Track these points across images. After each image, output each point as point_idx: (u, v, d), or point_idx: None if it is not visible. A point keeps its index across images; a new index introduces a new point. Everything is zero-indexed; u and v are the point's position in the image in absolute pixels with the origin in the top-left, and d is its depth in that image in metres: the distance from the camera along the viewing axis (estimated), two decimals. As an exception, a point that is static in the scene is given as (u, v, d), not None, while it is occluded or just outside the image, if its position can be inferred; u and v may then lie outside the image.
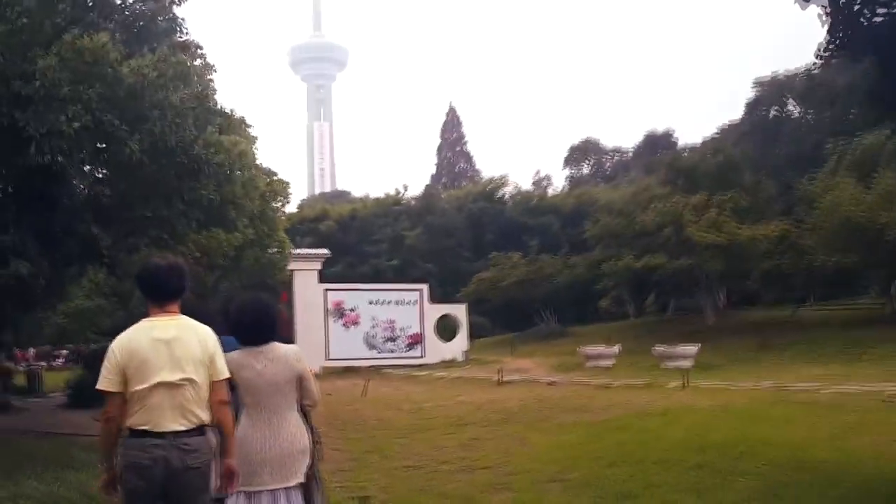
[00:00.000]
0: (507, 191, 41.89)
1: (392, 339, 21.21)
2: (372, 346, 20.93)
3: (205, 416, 2.88)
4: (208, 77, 8.86)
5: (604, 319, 30.34)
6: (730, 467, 6.43)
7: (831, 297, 26.90)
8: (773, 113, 38.20)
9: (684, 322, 27.03)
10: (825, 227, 20.59)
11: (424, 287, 22.35)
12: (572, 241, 33.32)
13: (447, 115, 60.23)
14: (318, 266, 21.55)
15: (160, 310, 2.94)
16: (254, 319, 3.25)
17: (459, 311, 22.85)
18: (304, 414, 3.36)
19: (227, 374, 2.99)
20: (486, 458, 7.22)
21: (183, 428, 2.79)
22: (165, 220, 8.20)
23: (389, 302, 21.50)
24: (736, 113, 58.27)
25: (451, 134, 59.29)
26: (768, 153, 32.06)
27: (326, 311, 20.75)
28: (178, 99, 7.32)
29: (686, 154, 34.27)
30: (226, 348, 3.11)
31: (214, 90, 8.86)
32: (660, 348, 19.07)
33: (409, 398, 13.08)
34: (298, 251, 19.65)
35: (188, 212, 8.10)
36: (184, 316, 2.99)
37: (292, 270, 20.45)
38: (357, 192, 58.03)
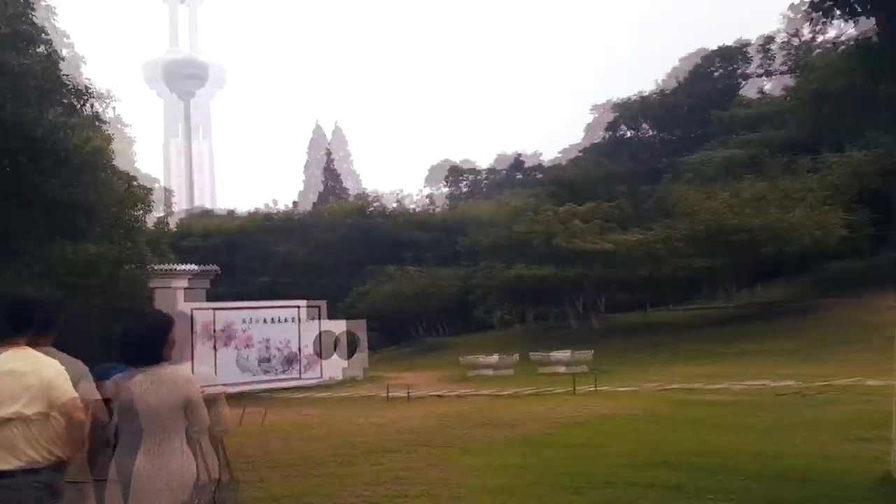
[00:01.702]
0: (395, 206, 40.86)
1: (288, 361, 18.87)
2: (267, 370, 18.48)
3: (37, 456, 2.54)
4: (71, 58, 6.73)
5: (478, 330, 29.97)
6: (710, 486, 5.48)
7: (685, 300, 28.22)
8: (628, 133, 41.24)
9: (561, 329, 26.99)
10: (697, 232, 21.26)
11: (322, 304, 20.22)
12: (458, 253, 32.69)
13: (332, 133, 58.35)
14: (185, 283, 18.69)
15: (5, 345, 2.65)
16: (139, 337, 2.81)
17: (357, 328, 20.94)
18: (214, 444, 3.04)
19: (69, 395, 2.59)
20: (429, 494, 5.75)
21: (9, 467, 2.49)
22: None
23: (283, 319, 19.16)
24: (577, 136, 61.08)
25: (338, 153, 57.42)
26: (620, 168, 33.65)
27: (211, 334, 17.96)
28: (20, 64, 5.17)
29: (562, 168, 35.03)
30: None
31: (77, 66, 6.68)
32: (557, 354, 18.58)
33: (318, 423, 11.16)
34: (161, 266, 16.68)
35: (25, 215, 5.85)
36: (30, 348, 2.66)
37: (154, 288, 17.26)
38: (240, 210, 54.00)
